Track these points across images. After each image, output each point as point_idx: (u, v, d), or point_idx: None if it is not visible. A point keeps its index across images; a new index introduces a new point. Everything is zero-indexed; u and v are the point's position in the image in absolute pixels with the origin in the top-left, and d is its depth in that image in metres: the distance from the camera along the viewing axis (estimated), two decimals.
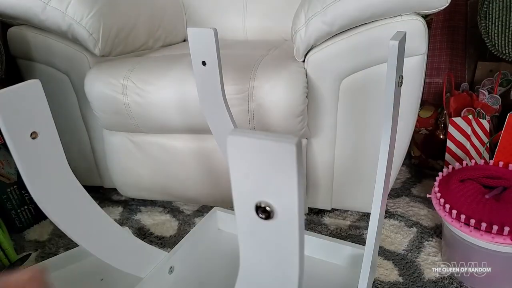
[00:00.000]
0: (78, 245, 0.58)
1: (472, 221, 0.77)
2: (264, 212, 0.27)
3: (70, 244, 1.05)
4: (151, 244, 1.02)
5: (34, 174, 0.39)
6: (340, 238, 1.02)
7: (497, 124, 1.17)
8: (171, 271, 0.70)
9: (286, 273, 0.30)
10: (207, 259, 0.78)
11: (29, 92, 0.39)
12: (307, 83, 0.88)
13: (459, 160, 1.13)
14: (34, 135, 0.38)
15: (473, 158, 1.11)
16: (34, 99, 0.39)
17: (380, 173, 0.58)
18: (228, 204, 1.12)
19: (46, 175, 0.40)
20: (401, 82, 0.50)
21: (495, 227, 0.74)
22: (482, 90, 1.16)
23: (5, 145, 1.08)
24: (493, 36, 0.94)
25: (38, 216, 1.17)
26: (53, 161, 0.41)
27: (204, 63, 0.65)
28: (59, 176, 0.42)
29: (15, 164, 1.10)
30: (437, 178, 0.92)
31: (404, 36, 0.48)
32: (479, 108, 1.14)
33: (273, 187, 0.26)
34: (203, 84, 0.68)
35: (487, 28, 0.94)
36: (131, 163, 1.07)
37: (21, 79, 1.13)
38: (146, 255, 0.63)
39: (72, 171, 1.25)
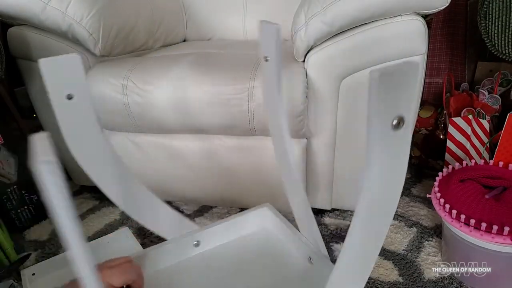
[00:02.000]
0: None
1: (472, 221, 0.77)
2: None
3: None
4: (151, 245, 1.02)
5: (70, 130, 0.38)
6: (340, 238, 1.03)
7: (497, 124, 1.17)
8: None
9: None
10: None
11: (69, 63, 0.38)
12: (307, 83, 0.88)
13: (459, 160, 1.13)
14: (70, 96, 0.36)
15: (473, 158, 1.11)
16: (73, 69, 0.38)
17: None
18: (227, 204, 1.12)
19: (80, 131, 0.40)
20: (402, 124, 0.35)
21: (495, 227, 0.74)
22: (482, 90, 1.16)
23: (4, 145, 1.08)
24: (493, 36, 0.94)
25: (38, 216, 1.17)
26: (86, 120, 0.42)
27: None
28: (91, 132, 0.41)
29: (15, 164, 1.10)
30: (437, 178, 0.92)
31: (403, 66, 0.38)
32: (479, 108, 1.14)
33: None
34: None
35: (487, 28, 0.94)
36: (131, 163, 1.07)
37: (21, 80, 1.13)
38: None
39: (72, 171, 1.25)
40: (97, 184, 0.63)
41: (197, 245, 0.78)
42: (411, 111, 0.35)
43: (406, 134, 0.36)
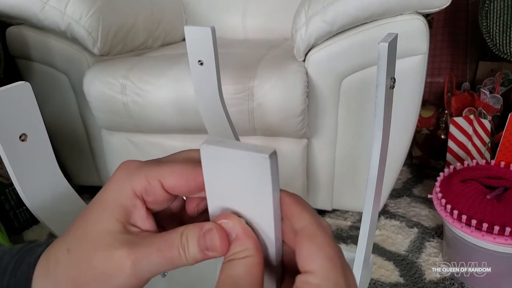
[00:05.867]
0: None
1: (474, 222, 0.77)
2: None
3: None
4: None
5: (24, 176, 0.40)
6: (341, 239, 1.02)
7: (499, 124, 1.17)
8: (164, 274, 0.69)
9: None
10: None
11: (18, 94, 0.40)
12: (307, 82, 0.88)
13: (461, 160, 1.12)
14: (23, 137, 0.39)
15: (475, 158, 1.10)
16: (24, 101, 0.40)
17: (371, 179, 0.57)
18: None
19: (36, 177, 0.41)
20: (393, 84, 0.50)
21: (496, 228, 0.74)
22: (484, 90, 1.15)
23: None
24: (494, 36, 0.94)
25: None
26: (43, 163, 0.42)
27: (201, 63, 0.63)
28: (49, 179, 0.42)
29: None
30: (438, 179, 0.92)
31: (395, 37, 0.48)
32: (481, 108, 1.13)
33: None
34: (200, 84, 0.66)
35: (488, 28, 0.94)
36: None
37: (20, 79, 1.12)
38: None
39: (71, 171, 1.25)
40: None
41: None
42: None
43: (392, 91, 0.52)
